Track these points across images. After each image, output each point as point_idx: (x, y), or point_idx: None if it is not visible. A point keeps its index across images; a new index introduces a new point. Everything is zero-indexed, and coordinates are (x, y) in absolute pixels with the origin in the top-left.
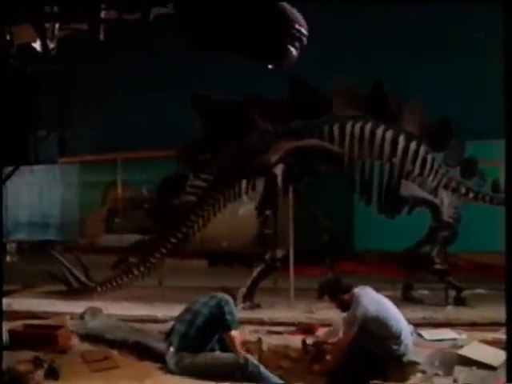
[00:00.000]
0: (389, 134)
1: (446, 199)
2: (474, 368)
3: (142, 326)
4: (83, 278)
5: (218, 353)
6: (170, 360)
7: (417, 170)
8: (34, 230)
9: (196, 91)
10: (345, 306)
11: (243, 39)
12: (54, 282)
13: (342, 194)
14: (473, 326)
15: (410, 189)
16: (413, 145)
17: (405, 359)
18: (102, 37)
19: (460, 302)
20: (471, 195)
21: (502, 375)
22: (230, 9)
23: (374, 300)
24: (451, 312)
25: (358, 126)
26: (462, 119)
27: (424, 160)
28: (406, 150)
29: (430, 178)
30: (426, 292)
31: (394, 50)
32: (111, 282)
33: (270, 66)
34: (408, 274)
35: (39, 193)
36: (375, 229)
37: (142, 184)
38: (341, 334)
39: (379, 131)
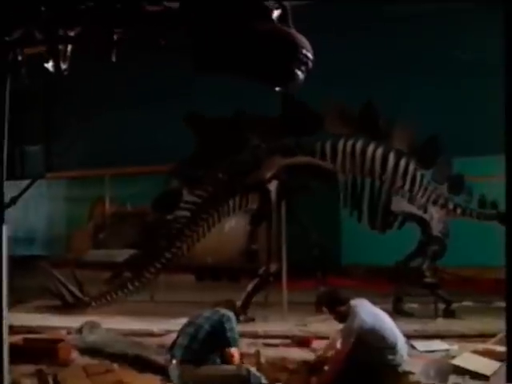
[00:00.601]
0: (379, 152)
1: (435, 215)
2: (467, 377)
3: (139, 339)
4: (78, 293)
5: (220, 365)
6: (173, 372)
7: (407, 187)
8: (20, 246)
9: (183, 108)
10: (342, 317)
11: (252, 63)
12: (49, 296)
13: (328, 208)
14: (462, 337)
15: (400, 205)
16: (402, 162)
17: (400, 369)
18: (113, 58)
19: (449, 314)
20: (459, 211)
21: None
22: (240, 33)
23: (370, 312)
24: (441, 324)
25: (349, 143)
26: (450, 136)
27: (413, 177)
28: (396, 167)
29: (420, 194)
30: (415, 305)
31: (384, 69)
32: (106, 297)
33: (277, 89)
34: (398, 287)
35: (25, 208)
36: (361, 243)
37: (129, 199)
38: (339, 345)
39: (370, 149)
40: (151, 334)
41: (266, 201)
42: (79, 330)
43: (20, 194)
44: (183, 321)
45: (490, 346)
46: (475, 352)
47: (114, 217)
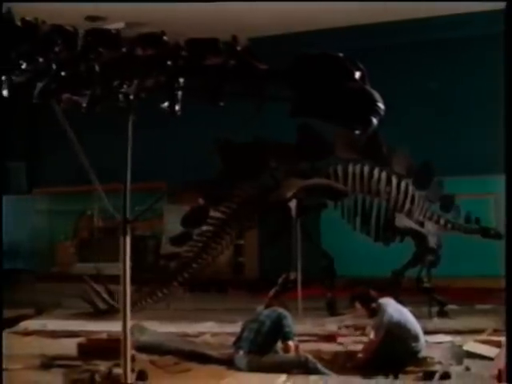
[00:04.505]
0: (383, 175)
1: (430, 229)
2: (477, 359)
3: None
4: (111, 301)
5: (281, 354)
6: (241, 361)
7: (407, 205)
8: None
9: (176, 130)
10: (372, 312)
11: (340, 112)
12: (85, 303)
13: (309, 222)
14: (458, 333)
15: (402, 221)
16: (403, 184)
17: (420, 355)
18: (221, 104)
19: (443, 314)
20: (449, 226)
21: (497, 363)
22: (331, 89)
23: (396, 308)
24: (438, 322)
25: (357, 167)
26: (441, 160)
27: (412, 197)
28: (398, 188)
29: (417, 211)
30: (409, 308)
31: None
32: (136, 304)
33: (357, 132)
34: (396, 293)
35: (8, 223)
36: (340, 256)
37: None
38: (372, 336)
39: (376, 172)
40: (187, 335)
41: (286, 217)
42: (130, 332)
43: (143, 211)
44: (209, 324)
45: (485, 337)
46: (477, 341)
47: (102, 231)
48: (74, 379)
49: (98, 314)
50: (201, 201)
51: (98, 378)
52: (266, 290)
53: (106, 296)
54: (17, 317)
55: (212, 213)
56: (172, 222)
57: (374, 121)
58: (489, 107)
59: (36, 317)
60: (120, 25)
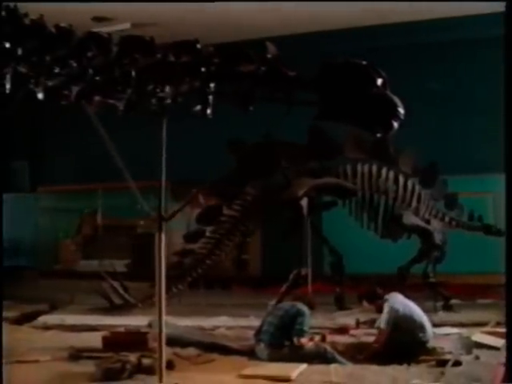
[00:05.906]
0: (391, 174)
1: (436, 226)
2: (485, 349)
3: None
4: (127, 296)
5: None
6: (263, 353)
7: (414, 203)
8: (6, 257)
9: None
10: (379, 308)
11: (363, 116)
12: (101, 298)
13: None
14: (463, 325)
15: (409, 218)
16: (410, 183)
17: (429, 345)
18: (251, 109)
19: (448, 308)
20: (453, 223)
21: (504, 352)
22: (355, 95)
23: (401, 302)
24: (443, 316)
25: (366, 166)
26: (442, 159)
27: (419, 195)
28: (405, 186)
29: (423, 209)
30: (415, 303)
31: None
32: (152, 299)
33: (378, 135)
34: (402, 288)
35: (12, 221)
36: (347, 253)
37: (119, 212)
38: (382, 326)
39: (383, 171)
40: (203, 329)
41: (298, 215)
42: (149, 326)
43: (178, 210)
44: (223, 318)
45: (490, 329)
46: (483, 333)
47: (106, 228)
48: (105, 369)
49: (113, 309)
50: (201, 199)
51: (128, 367)
52: (269, 286)
53: (122, 292)
54: (34, 312)
55: (225, 211)
56: (176, 220)
57: (395, 124)
58: (489, 108)
59: (51, 312)
60: (126, 25)
